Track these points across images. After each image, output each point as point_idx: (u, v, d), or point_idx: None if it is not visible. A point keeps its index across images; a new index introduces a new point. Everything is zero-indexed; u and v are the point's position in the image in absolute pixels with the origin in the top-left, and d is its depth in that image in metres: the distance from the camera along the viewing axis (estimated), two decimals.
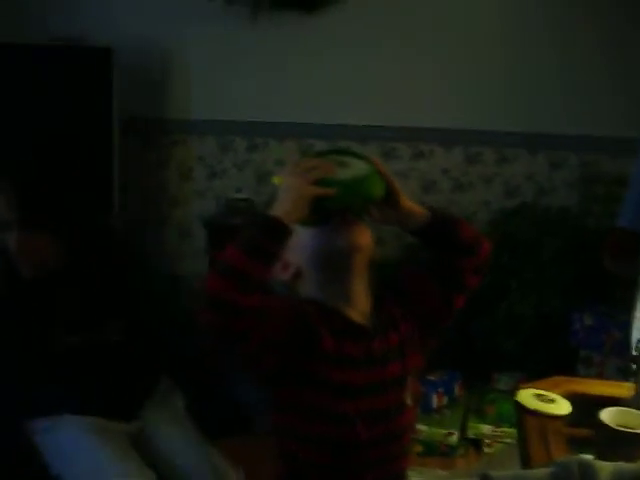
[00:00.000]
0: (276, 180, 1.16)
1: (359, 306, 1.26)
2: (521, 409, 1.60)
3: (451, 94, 3.24)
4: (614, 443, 1.33)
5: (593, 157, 3.27)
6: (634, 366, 1.60)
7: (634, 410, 1.39)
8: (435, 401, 2.76)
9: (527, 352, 2.86)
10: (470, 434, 2.74)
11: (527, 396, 1.63)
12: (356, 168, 1.18)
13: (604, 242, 2.30)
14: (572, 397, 1.63)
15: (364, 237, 1.23)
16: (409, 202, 1.24)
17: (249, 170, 3.47)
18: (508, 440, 2.63)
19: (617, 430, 1.31)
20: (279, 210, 1.10)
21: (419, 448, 2.64)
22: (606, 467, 1.00)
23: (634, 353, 1.64)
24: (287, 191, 1.11)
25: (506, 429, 2.67)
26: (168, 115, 3.45)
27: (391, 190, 1.20)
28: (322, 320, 1.20)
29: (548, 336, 2.87)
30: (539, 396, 1.63)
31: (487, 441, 2.71)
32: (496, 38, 3.19)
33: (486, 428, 2.72)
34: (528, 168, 3.31)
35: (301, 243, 1.21)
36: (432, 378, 2.79)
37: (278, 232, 1.09)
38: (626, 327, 1.92)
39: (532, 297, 2.92)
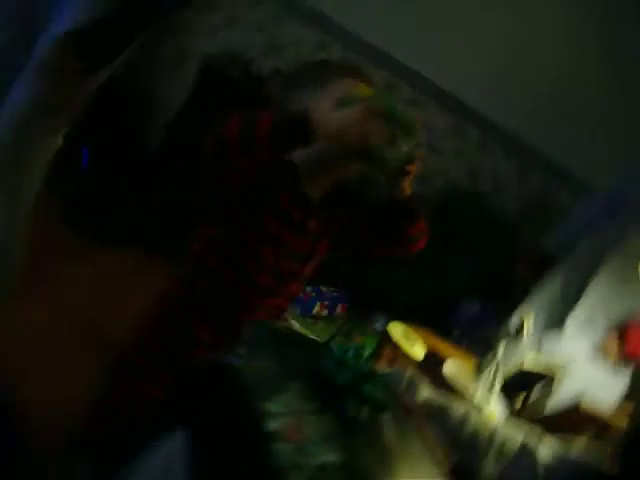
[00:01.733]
0: (352, 98, 1.27)
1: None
2: (386, 336, 1.82)
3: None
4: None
5: (557, 183, 3.48)
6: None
7: (471, 372, 1.65)
8: (316, 308, 2.98)
9: (411, 312, 3.09)
10: None
11: (396, 329, 1.86)
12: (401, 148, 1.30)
13: (523, 254, 2.54)
14: (430, 348, 1.87)
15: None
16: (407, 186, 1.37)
17: (266, 36, 3.50)
18: None
19: (450, 381, 1.56)
20: (331, 121, 1.22)
21: None
22: (427, 390, 1.22)
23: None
24: (349, 120, 1.23)
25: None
26: None
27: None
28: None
29: (435, 308, 3.12)
30: (405, 335, 1.86)
31: None
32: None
33: None
34: (496, 162, 3.51)
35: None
36: (322, 289, 3.00)
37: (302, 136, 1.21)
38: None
39: (437, 271, 3.16)
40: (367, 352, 0.92)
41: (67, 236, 2.82)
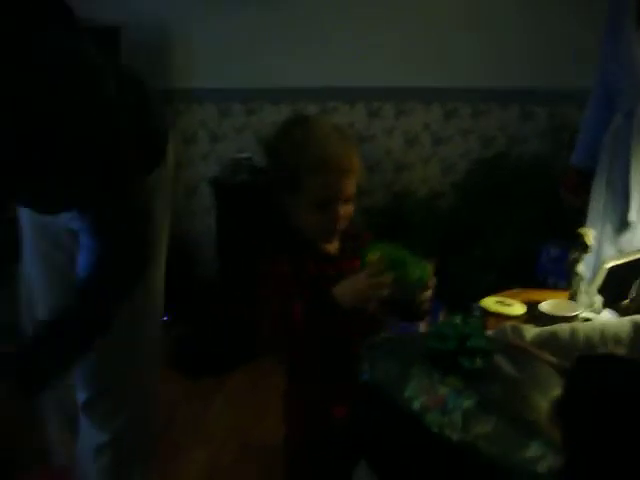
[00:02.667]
0: (369, 257, 1.41)
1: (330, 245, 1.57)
2: (484, 312, 1.96)
3: (430, 55, 3.55)
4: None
5: (559, 108, 3.59)
6: None
7: (568, 301, 1.77)
8: (422, 329, 3.11)
9: (502, 283, 3.20)
10: None
11: (490, 302, 2.00)
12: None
13: (561, 179, 2.66)
14: (527, 302, 2.00)
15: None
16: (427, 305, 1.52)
17: (248, 133, 3.81)
18: None
19: (552, 315, 1.69)
20: (347, 296, 1.40)
21: None
22: (532, 329, 1.36)
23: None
24: (356, 290, 1.41)
25: None
26: (171, 86, 3.78)
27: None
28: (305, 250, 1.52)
29: (521, 268, 3.22)
30: (499, 302, 2.00)
31: None
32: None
33: None
34: (501, 121, 3.65)
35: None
36: None
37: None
38: None
39: (505, 236, 3.28)
40: (469, 328, 1.05)
41: (190, 384, 3.11)
